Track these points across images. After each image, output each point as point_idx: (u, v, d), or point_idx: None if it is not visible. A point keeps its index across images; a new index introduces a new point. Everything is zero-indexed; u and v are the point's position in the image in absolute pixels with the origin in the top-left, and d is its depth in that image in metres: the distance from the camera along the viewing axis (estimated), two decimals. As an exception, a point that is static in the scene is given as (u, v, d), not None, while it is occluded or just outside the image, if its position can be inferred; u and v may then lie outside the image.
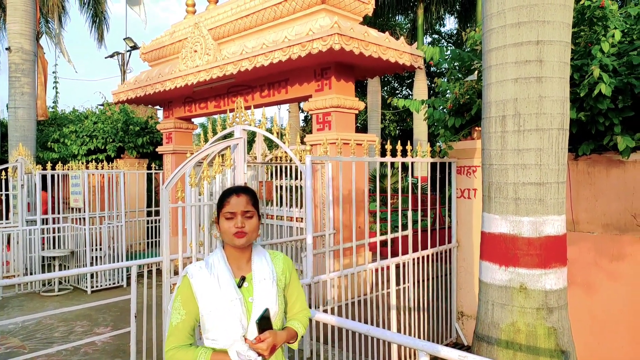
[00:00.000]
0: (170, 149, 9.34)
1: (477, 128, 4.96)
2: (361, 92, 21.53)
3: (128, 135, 11.20)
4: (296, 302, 2.09)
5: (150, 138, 11.42)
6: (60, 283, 7.94)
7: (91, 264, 7.73)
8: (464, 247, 5.06)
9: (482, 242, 3.02)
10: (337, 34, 5.36)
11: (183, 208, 4.01)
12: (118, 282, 7.97)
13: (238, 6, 7.26)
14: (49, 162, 9.19)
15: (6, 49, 10.29)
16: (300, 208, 6.44)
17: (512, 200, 2.77)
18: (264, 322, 1.85)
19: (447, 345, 4.40)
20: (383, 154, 15.43)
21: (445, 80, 5.60)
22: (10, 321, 4.14)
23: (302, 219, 6.31)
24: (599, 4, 4.10)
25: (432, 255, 4.83)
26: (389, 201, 4.30)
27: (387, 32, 6.26)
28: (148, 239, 9.89)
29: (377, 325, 4.26)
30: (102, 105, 14.61)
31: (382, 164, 11.98)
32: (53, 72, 15.46)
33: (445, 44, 24.47)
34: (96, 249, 7.96)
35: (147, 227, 9.90)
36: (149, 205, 10.47)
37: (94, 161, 10.66)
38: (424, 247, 4.78)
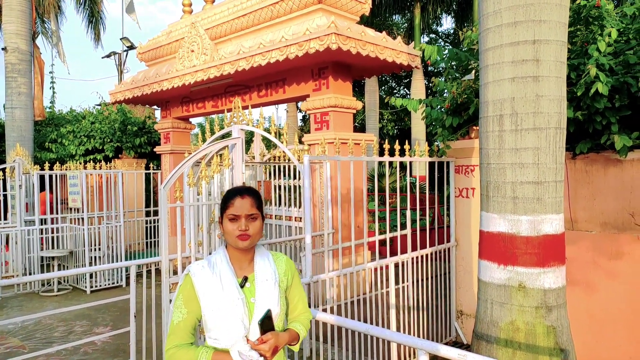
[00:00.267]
0: (168, 149, 9.34)
1: (474, 127, 4.97)
2: (359, 91, 21.51)
3: (126, 135, 11.18)
4: (298, 303, 2.09)
5: (148, 138, 11.41)
6: (59, 283, 7.93)
7: (90, 264, 7.72)
8: (463, 246, 5.07)
9: (481, 241, 3.03)
10: (334, 34, 5.37)
11: (181, 208, 4.01)
12: (117, 282, 7.97)
13: (235, 6, 7.25)
14: (46, 163, 9.17)
15: (2, 49, 10.26)
16: (299, 207, 6.45)
17: (510, 199, 2.78)
18: (266, 323, 1.85)
19: (446, 344, 4.41)
20: (381, 153, 15.40)
21: (443, 79, 5.61)
22: (9, 321, 4.14)
23: (300, 218, 6.32)
24: (595, 3, 4.11)
25: (431, 254, 4.84)
26: (388, 200, 4.32)
27: (384, 32, 6.27)
28: (147, 238, 9.88)
29: (377, 325, 4.27)
30: (100, 105, 14.59)
31: (380, 163, 11.99)
32: (50, 72, 15.42)
33: (442, 43, 24.47)
34: (95, 249, 7.96)
35: (146, 227, 9.89)
36: (147, 205, 10.46)
37: (91, 161, 10.64)
38: (423, 247, 4.79)
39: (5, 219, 9.18)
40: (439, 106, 5.34)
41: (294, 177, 6.65)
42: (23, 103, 10.19)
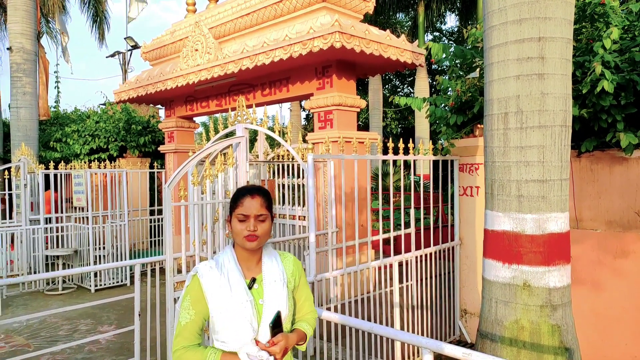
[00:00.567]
0: (172, 148, 9.35)
1: (479, 125, 4.96)
2: (362, 90, 21.49)
3: (130, 134, 11.21)
4: (304, 303, 2.08)
5: (152, 137, 11.44)
6: (64, 282, 7.96)
7: (95, 263, 7.76)
8: (467, 245, 5.06)
9: (485, 239, 3.02)
10: (338, 32, 5.36)
11: (186, 207, 4.02)
12: (122, 281, 8.00)
13: (238, 5, 7.25)
14: (51, 162, 9.21)
15: (7, 48, 10.32)
16: (303, 206, 6.45)
17: (515, 198, 2.77)
18: (276, 325, 1.84)
19: (450, 342, 4.41)
20: (385, 151, 15.41)
21: (447, 78, 5.59)
22: (14, 320, 4.16)
23: (304, 217, 6.32)
24: (600, 0, 4.09)
25: (435, 253, 4.83)
26: (392, 199, 4.31)
27: (388, 30, 6.25)
28: (151, 237, 9.91)
29: (381, 323, 4.27)
30: (104, 104, 14.63)
31: (384, 162, 11.96)
32: (55, 72, 15.50)
33: (446, 41, 24.41)
34: (99, 248, 7.99)
35: (150, 226, 9.92)
36: (151, 204, 10.49)
37: (96, 160, 10.68)
38: (427, 245, 4.78)
39: (10, 217, 9.23)
40: (443, 104, 5.32)
41: (298, 176, 6.65)
42: (28, 102, 10.24)
